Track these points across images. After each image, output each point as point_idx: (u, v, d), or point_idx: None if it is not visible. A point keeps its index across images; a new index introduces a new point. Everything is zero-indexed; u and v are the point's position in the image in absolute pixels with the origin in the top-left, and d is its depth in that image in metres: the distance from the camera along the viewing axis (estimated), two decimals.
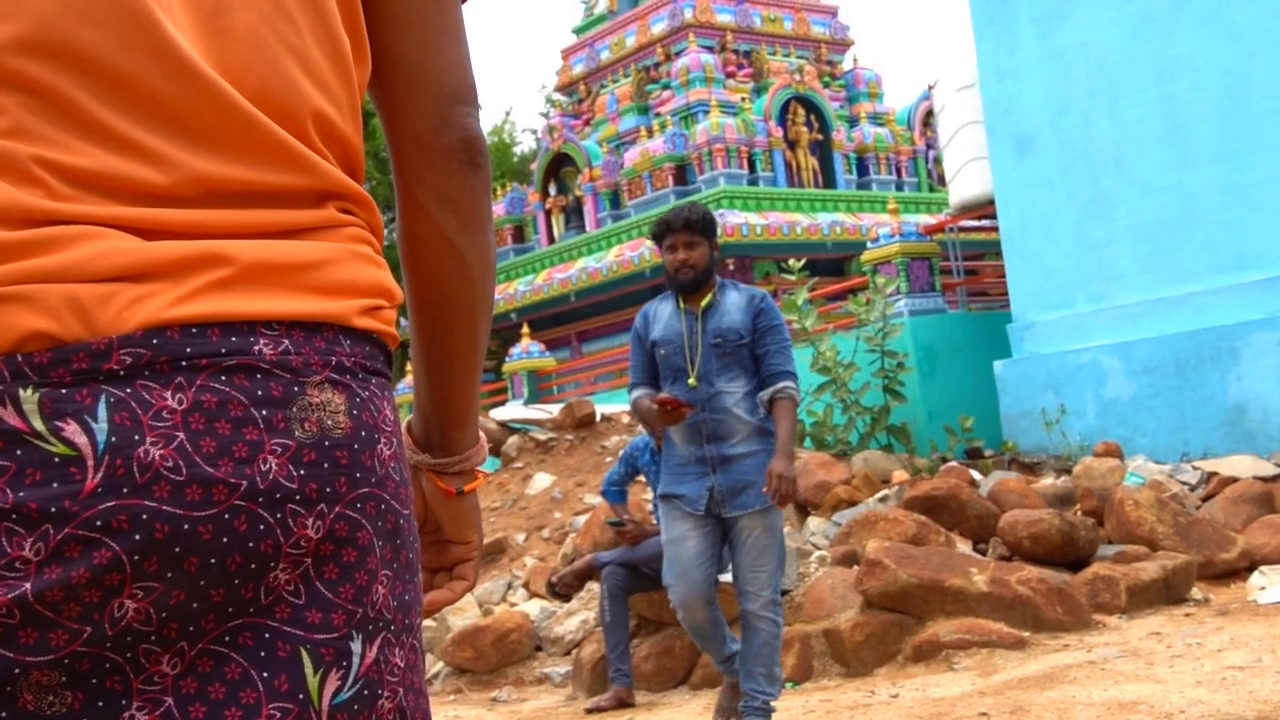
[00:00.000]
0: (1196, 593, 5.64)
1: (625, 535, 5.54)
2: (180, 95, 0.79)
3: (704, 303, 4.07)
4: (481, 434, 1.08)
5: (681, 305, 4.10)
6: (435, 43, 0.96)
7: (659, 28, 17.86)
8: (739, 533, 4.00)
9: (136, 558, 0.73)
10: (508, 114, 28.49)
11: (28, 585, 0.71)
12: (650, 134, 17.01)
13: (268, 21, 0.84)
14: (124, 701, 0.75)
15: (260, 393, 0.78)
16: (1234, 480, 6.96)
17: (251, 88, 0.83)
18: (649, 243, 15.73)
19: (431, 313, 1.01)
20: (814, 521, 6.73)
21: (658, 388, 4.11)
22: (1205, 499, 6.92)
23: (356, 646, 0.80)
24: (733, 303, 4.07)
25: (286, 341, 0.80)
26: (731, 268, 15.49)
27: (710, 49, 17.51)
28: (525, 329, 16.06)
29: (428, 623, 6.75)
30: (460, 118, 0.96)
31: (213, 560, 0.75)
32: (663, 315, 4.14)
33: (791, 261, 9.49)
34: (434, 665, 6.55)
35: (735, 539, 4.02)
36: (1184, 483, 7.21)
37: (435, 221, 0.97)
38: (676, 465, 4.07)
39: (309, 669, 0.78)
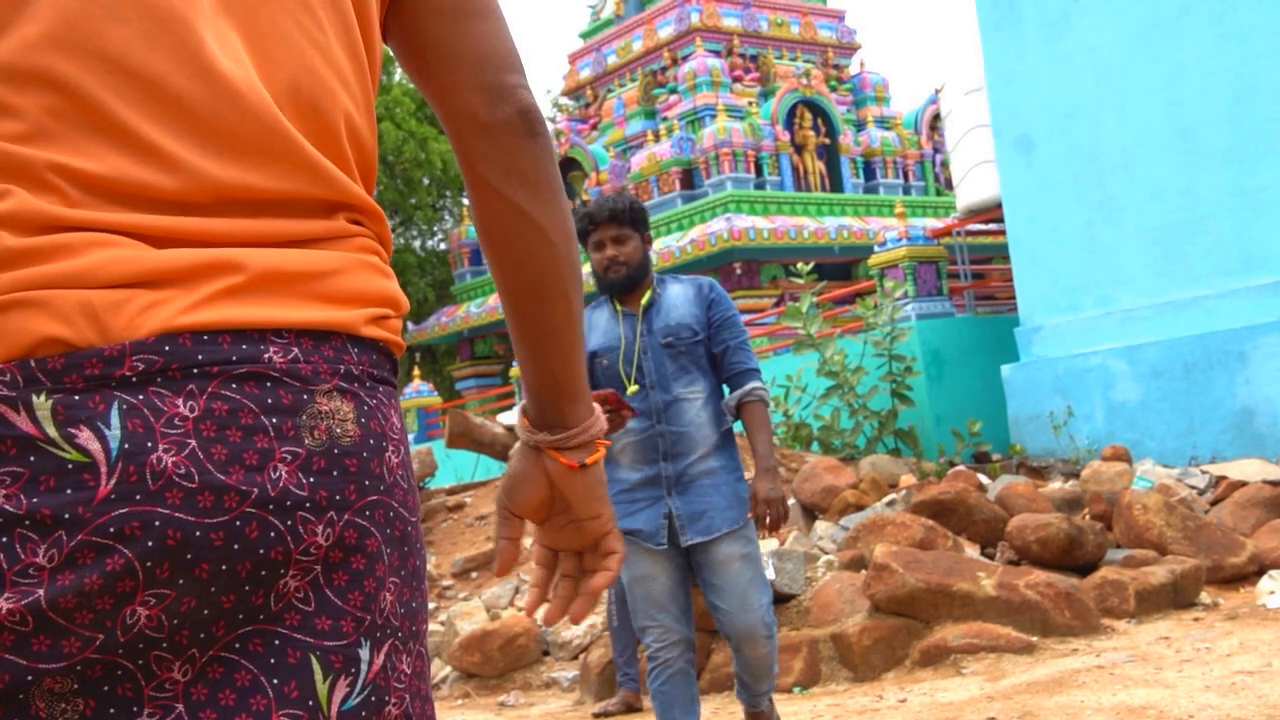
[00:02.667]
0: (1205, 597, 5.63)
1: None
2: (203, 98, 0.79)
3: (644, 301, 3.53)
4: (596, 407, 1.06)
5: (619, 308, 3.56)
6: (471, 22, 0.96)
7: (666, 32, 17.87)
8: (713, 568, 3.44)
9: (149, 564, 0.74)
10: None
11: (41, 592, 0.72)
12: (657, 138, 17.02)
13: (292, 17, 0.85)
14: (135, 708, 0.75)
15: (270, 401, 0.78)
16: (1243, 484, 6.94)
17: (281, 83, 0.83)
18: (656, 246, 15.74)
19: (523, 291, 0.99)
20: (821, 526, 6.73)
21: None
22: (1214, 503, 6.90)
23: (365, 653, 0.81)
24: (678, 296, 3.54)
25: (296, 350, 0.80)
26: (739, 272, 15.49)
27: (717, 53, 17.52)
28: None
29: (435, 627, 6.76)
30: (511, 89, 0.96)
31: (224, 567, 0.76)
32: (599, 323, 3.59)
33: (799, 265, 9.49)
34: (441, 670, 6.55)
35: (710, 575, 3.45)
36: (1192, 486, 7.19)
37: (507, 197, 0.96)
38: (623, 492, 3.49)
39: (318, 675, 0.79)
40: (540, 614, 1.01)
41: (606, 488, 1.07)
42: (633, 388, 3.47)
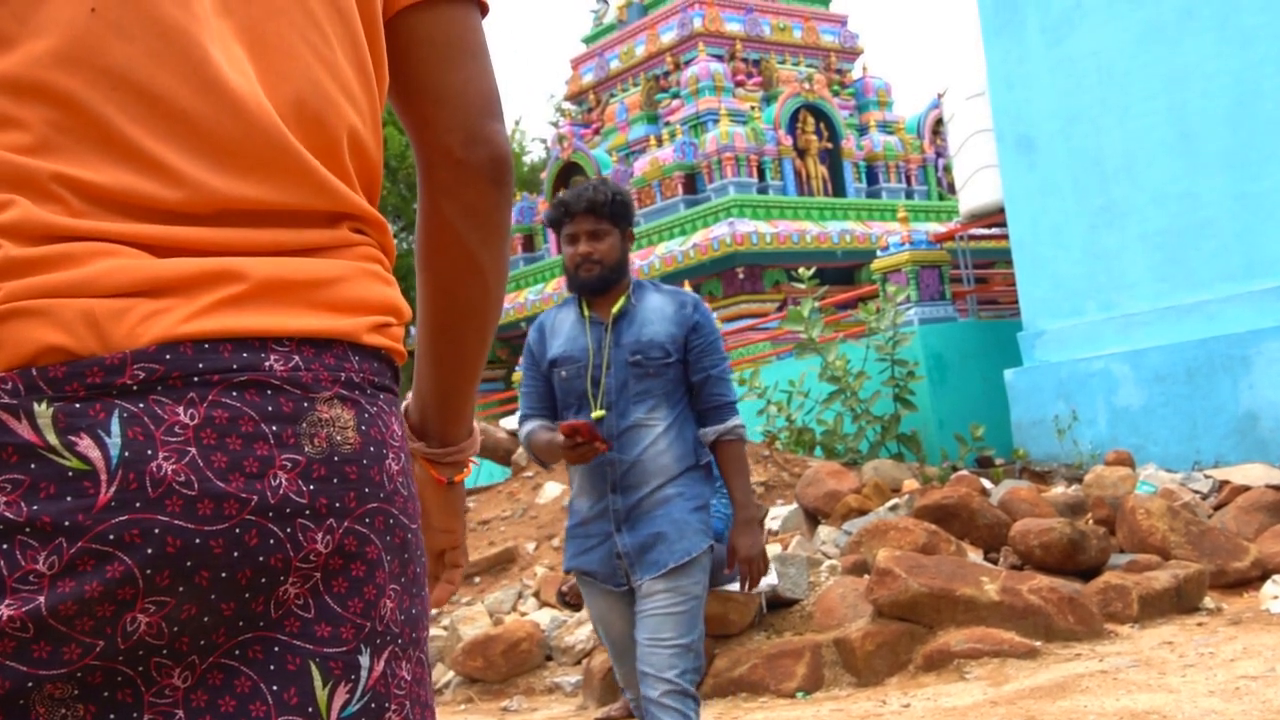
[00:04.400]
0: (1209, 602, 5.62)
1: None
2: (208, 112, 0.80)
3: (616, 309, 3.09)
4: (475, 425, 1.11)
5: (586, 313, 3.12)
6: (460, 61, 0.97)
7: (668, 37, 17.89)
8: (641, 597, 3.00)
9: (149, 572, 0.74)
10: (517, 123, 28.43)
11: (41, 599, 0.72)
12: (660, 143, 17.03)
13: (299, 31, 0.86)
14: (135, 714, 0.76)
15: (271, 408, 0.79)
16: (1246, 489, 6.93)
17: (287, 98, 0.84)
18: (659, 251, 15.75)
19: (445, 320, 1.04)
20: (824, 530, 6.72)
21: (557, 421, 3.12)
22: (1217, 508, 6.89)
23: (365, 660, 0.81)
24: (655, 309, 3.08)
25: (297, 358, 0.81)
26: (741, 277, 15.48)
27: (720, 58, 17.54)
28: None
29: (438, 632, 6.76)
30: (489, 134, 0.97)
31: (224, 574, 0.76)
32: (563, 327, 3.16)
33: (801, 270, 9.49)
34: (444, 675, 6.55)
35: (638, 602, 3.03)
36: (1196, 491, 7.18)
37: (458, 234, 0.99)
38: (578, 525, 3.13)
39: (318, 682, 0.79)
40: None
41: (464, 504, 1.13)
42: (598, 411, 3.03)
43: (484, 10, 1.00)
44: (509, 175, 0.99)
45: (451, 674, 6.50)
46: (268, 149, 0.82)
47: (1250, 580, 5.87)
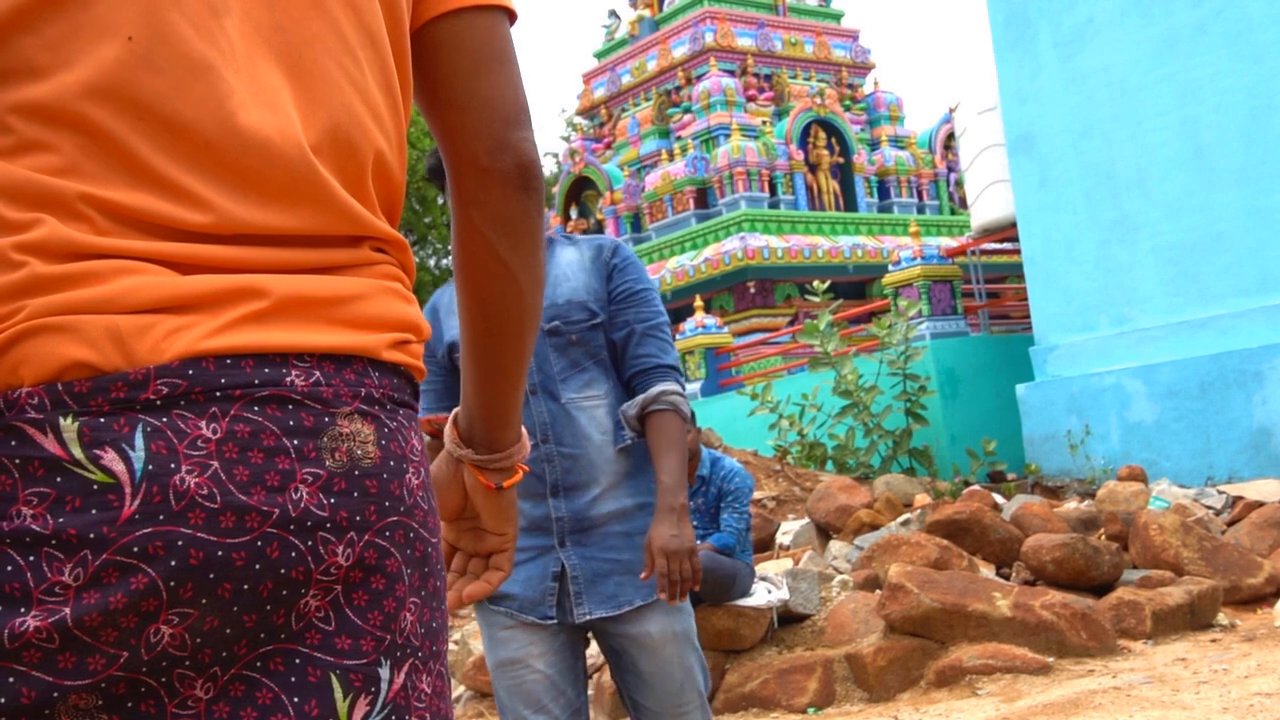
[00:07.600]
0: (1223, 618, 5.59)
1: None
2: (232, 145, 0.81)
3: None
4: (523, 431, 1.13)
5: None
6: (487, 69, 0.98)
7: (680, 51, 17.94)
8: (635, 651, 2.39)
9: (172, 584, 0.75)
10: None
11: (67, 610, 0.73)
12: (671, 157, 17.06)
13: (334, 57, 0.87)
14: None
15: (292, 423, 0.80)
16: (1260, 504, 6.90)
17: (323, 123, 0.85)
18: (670, 265, 15.77)
19: (484, 327, 1.05)
20: (836, 545, 6.71)
21: None
22: (1231, 523, 6.86)
23: (385, 672, 0.82)
24: (571, 264, 2.47)
25: (318, 373, 0.82)
26: (753, 291, 15.49)
27: (731, 72, 17.58)
28: None
29: (449, 646, 6.76)
30: (515, 142, 0.98)
31: (246, 586, 0.77)
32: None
33: (816, 284, 9.49)
34: (456, 689, 6.55)
35: (629, 659, 2.40)
36: (1209, 507, 7.15)
37: (489, 242, 1.00)
38: None
39: (339, 694, 0.80)
40: None
41: (517, 509, 1.14)
42: None
43: (512, 18, 1.01)
44: (537, 181, 0.99)
45: (463, 688, 6.50)
46: (290, 180, 0.83)
47: (1264, 597, 5.84)
